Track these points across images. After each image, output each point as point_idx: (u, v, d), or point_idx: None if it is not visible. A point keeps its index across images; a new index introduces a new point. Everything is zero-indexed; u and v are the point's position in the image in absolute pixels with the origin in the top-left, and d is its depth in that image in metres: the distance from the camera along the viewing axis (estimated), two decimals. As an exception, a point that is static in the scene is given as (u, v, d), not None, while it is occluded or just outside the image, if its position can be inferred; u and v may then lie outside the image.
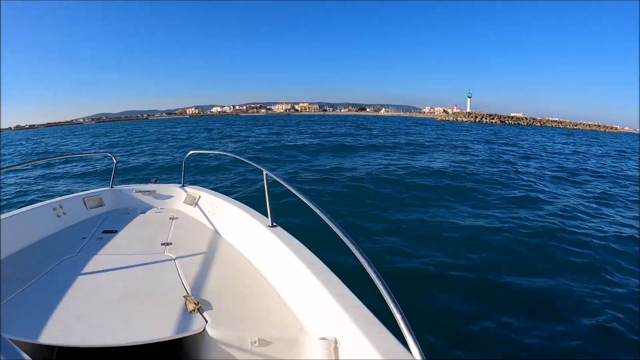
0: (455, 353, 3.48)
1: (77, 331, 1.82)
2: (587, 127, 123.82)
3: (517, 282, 4.87)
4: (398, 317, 1.14)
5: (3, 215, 3.12)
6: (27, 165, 16.66)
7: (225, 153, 4.61)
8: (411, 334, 1.08)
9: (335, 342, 1.55)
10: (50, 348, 1.91)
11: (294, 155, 17.48)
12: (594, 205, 9.55)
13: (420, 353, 1.04)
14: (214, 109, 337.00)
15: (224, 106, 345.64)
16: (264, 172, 2.74)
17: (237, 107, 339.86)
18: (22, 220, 3.20)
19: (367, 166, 14.03)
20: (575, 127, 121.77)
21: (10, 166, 4.59)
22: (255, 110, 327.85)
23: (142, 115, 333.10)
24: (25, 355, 0.85)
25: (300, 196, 2.14)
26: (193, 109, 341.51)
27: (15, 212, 3.26)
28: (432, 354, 3.32)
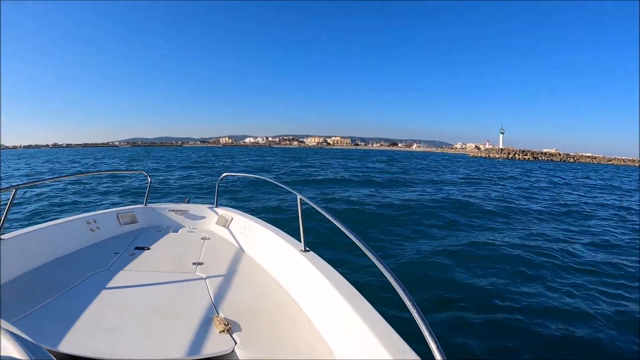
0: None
1: (105, 344, 1.83)
2: (622, 162, 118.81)
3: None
4: (433, 346, 1.11)
5: (39, 226, 3.22)
6: (63, 180, 17.36)
7: (259, 176, 4.51)
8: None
9: None
10: (76, 359, 1.91)
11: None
12: None
13: None
14: (247, 140, 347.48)
15: (256, 137, 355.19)
16: (298, 197, 2.71)
17: (269, 139, 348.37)
18: (56, 231, 3.26)
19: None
20: (609, 163, 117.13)
21: (47, 179, 4.67)
22: (287, 142, 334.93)
23: (177, 142, 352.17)
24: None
25: (333, 221, 2.10)
26: (226, 138, 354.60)
27: (50, 224, 3.33)
28: None
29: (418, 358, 1.39)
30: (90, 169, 29.82)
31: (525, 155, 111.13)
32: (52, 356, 0.89)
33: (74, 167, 33.87)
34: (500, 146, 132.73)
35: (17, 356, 0.79)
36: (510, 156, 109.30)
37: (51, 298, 2.32)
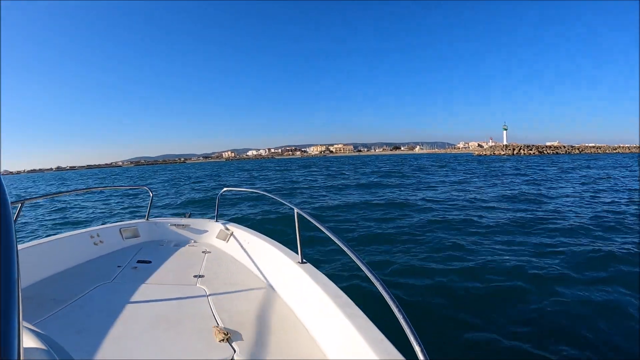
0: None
1: (109, 353, 1.89)
2: (627, 150, 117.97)
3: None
4: (417, 349, 1.16)
5: (44, 239, 3.31)
6: (66, 195, 17.83)
7: (257, 191, 4.59)
8: None
9: None
10: None
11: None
12: None
13: None
14: (249, 152, 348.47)
15: (259, 149, 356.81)
16: (295, 210, 2.78)
17: (272, 150, 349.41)
18: (60, 245, 3.35)
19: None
20: (614, 152, 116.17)
21: (53, 194, 4.59)
22: (290, 153, 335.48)
23: (180, 159, 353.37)
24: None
25: (328, 233, 2.17)
26: (229, 152, 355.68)
27: (55, 238, 3.42)
28: None
29: None
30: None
31: (531, 150, 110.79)
32: (72, 355, 0.91)
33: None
34: (505, 142, 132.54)
35: (41, 354, 0.81)
36: (515, 152, 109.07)
37: (58, 308, 2.39)
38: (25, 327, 0.89)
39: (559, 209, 11.41)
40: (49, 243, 3.27)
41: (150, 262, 3.60)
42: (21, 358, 0.48)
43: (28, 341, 0.84)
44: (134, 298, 2.66)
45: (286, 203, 3.14)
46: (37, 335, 0.88)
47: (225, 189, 4.83)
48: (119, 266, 3.40)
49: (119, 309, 2.44)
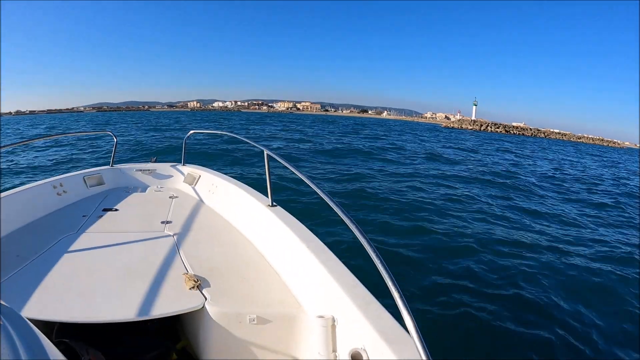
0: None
1: (77, 308, 1.83)
2: (590, 141, 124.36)
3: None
4: (396, 295, 1.14)
5: (3, 194, 3.11)
6: (29, 145, 16.75)
7: (224, 133, 4.64)
8: (408, 312, 1.07)
9: (333, 320, 1.57)
10: (49, 325, 1.90)
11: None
12: None
13: (416, 331, 1.03)
14: (215, 104, 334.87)
15: (225, 101, 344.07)
16: (265, 152, 2.75)
17: (238, 103, 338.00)
18: (22, 198, 3.20)
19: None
20: (579, 140, 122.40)
21: (13, 144, 4.48)
22: (256, 107, 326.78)
23: (144, 107, 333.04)
24: (34, 327, 0.88)
25: (299, 174, 2.20)
26: (195, 102, 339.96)
27: (16, 190, 3.26)
28: (430, 333, 3.21)
29: (382, 308, 1.44)
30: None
31: (498, 128, 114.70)
32: (25, 318, 0.89)
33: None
34: (473, 117, 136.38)
35: None
36: (482, 128, 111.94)
37: (20, 266, 2.28)
38: None
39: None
40: (8, 197, 3.07)
41: (116, 209, 3.50)
42: None
43: None
44: (100, 248, 2.58)
45: (255, 144, 3.13)
46: None
47: (192, 131, 4.86)
48: (84, 216, 3.29)
49: (85, 261, 2.37)
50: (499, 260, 5.83)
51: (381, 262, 1.26)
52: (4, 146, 3.99)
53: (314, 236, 2.16)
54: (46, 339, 0.86)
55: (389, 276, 1.20)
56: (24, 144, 15.85)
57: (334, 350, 1.55)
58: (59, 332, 1.99)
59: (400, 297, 1.13)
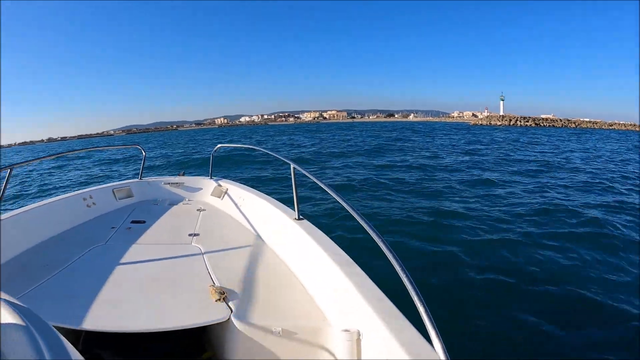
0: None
1: (103, 317, 1.85)
2: (623, 127, 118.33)
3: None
4: (421, 309, 1.13)
5: (35, 205, 3.24)
6: (59, 157, 18.33)
7: (253, 147, 4.57)
8: (434, 328, 1.07)
9: (358, 334, 1.56)
10: (77, 333, 1.92)
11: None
12: None
13: (442, 346, 1.03)
14: (242, 119, 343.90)
15: (252, 115, 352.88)
16: (292, 166, 2.72)
17: (265, 117, 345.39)
18: (53, 209, 3.28)
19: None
20: (610, 128, 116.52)
21: (43, 157, 4.55)
22: (283, 119, 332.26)
23: (172, 126, 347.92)
24: (57, 332, 0.88)
25: (326, 189, 2.17)
26: (222, 119, 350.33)
27: (47, 202, 3.37)
28: (455, 349, 3.19)
29: (408, 322, 1.41)
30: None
31: (527, 121, 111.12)
32: (48, 323, 0.90)
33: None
34: (501, 113, 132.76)
35: (14, 322, 0.80)
36: (512, 123, 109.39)
37: (50, 275, 2.33)
38: (5, 300, 0.89)
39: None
40: (40, 208, 3.18)
41: (144, 222, 3.53)
42: None
43: (6, 317, 0.81)
44: (128, 259, 2.61)
45: (282, 158, 3.07)
46: (16, 308, 0.86)
47: (219, 145, 4.89)
48: (112, 227, 3.34)
49: (113, 272, 2.40)
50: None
51: (406, 275, 1.26)
52: (42, 158, 4.15)
53: (341, 249, 2.14)
54: (70, 344, 0.86)
55: (414, 290, 1.19)
56: (58, 157, 17.40)
57: None
58: (86, 340, 2.09)
59: (426, 311, 1.11)
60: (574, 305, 4.22)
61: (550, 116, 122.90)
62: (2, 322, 0.78)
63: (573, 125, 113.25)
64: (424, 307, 1.13)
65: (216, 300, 1.99)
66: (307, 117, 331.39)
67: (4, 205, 3.06)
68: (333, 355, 1.72)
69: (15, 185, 13.55)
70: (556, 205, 8.47)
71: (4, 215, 2.86)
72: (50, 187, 12.58)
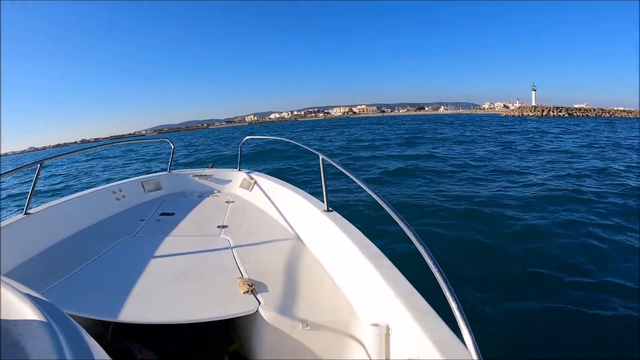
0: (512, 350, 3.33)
1: (133, 308, 1.87)
2: None
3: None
4: (453, 305, 1.10)
5: (64, 198, 3.28)
6: (88, 152, 19.01)
7: (280, 139, 4.68)
8: (466, 324, 1.04)
9: (387, 328, 1.52)
10: (105, 324, 1.95)
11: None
12: None
13: (473, 343, 0.99)
14: (272, 116, 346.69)
15: (282, 112, 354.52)
16: (320, 157, 2.70)
17: (295, 113, 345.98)
18: (82, 202, 3.33)
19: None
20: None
21: (72, 152, 4.36)
22: (313, 114, 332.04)
23: (202, 125, 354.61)
24: (79, 327, 0.87)
25: (355, 180, 2.12)
26: (252, 116, 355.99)
27: (76, 195, 3.41)
28: (487, 345, 3.16)
29: (439, 318, 1.38)
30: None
31: (560, 111, 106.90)
32: (71, 318, 0.88)
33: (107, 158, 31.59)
34: (533, 103, 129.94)
35: (36, 319, 0.78)
36: (544, 113, 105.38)
37: (80, 267, 2.36)
38: (29, 295, 0.86)
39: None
40: (70, 201, 3.22)
41: (173, 214, 3.57)
42: None
43: (27, 313, 0.79)
44: (157, 251, 2.63)
45: (311, 150, 3.06)
46: (39, 304, 0.83)
47: (247, 137, 4.85)
48: (141, 220, 3.38)
49: (141, 264, 2.42)
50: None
51: (438, 269, 1.23)
52: (71, 152, 4.01)
53: (370, 242, 2.10)
54: (94, 341, 0.86)
55: (446, 285, 1.17)
56: (88, 151, 16.04)
57: None
58: (115, 331, 2.08)
59: (458, 307, 1.09)
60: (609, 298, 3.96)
61: (584, 106, 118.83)
62: (24, 318, 0.78)
63: (607, 115, 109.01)
64: (456, 302, 1.10)
65: (244, 293, 1.99)
66: (336, 112, 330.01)
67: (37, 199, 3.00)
68: (361, 349, 1.68)
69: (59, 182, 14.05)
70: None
71: (35, 209, 2.93)
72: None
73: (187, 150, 28.94)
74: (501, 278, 4.43)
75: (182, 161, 18.81)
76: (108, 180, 12.48)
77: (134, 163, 20.74)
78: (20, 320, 0.77)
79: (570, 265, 4.71)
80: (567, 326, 3.56)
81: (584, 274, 4.47)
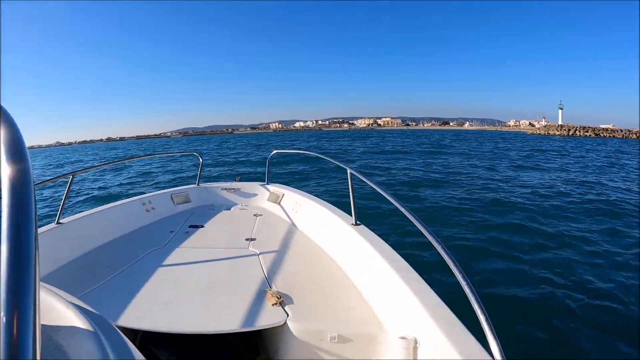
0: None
1: (162, 318, 1.90)
2: None
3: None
4: (481, 318, 1.11)
5: (96, 209, 3.38)
6: (119, 164, 18.93)
7: (308, 152, 4.84)
8: (494, 337, 1.05)
9: (415, 342, 1.53)
10: (134, 332, 1.97)
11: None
12: None
13: (502, 357, 1.00)
14: (297, 124, 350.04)
15: (306, 121, 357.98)
16: (349, 171, 2.70)
17: (319, 122, 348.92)
18: (113, 213, 3.43)
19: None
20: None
21: (104, 164, 4.37)
22: (337, 125, 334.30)
23: (227, 130, 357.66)
24: (122, 335, 0.90)
25: (383, 193, 2.15)
26: (276, 123, 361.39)
27: (107, 207, 3.50)
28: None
29: (467, 331, 1.38)
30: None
31: (587, 131, 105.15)
32: (114, 325, 0.91)
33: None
34: (560, 122, 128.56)
35: (81, 326, 0.80)
36: (570, 133, 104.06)
37: (110, 276, 2.41)
38: (69, 301, 0.89)
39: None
40: (101, 212, 3.31)
41: (202, 226, 3.61)
42: (37, 357, 0.47)
43: (70, 317, 0.82)
44: (186, 262, 2.69)
45: (339, 164, 3.08)
46: (84, 312, 0.86)
47: (275, 151, 4.86)
48: (171, 231, 3.42)
49: (171, 274, 2.47)
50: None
51: (467, 283, 1.23)
52: (102, 165, 4.12)
53: (398, 256, 2.11)
54: (134, 347, 0.88)
55: (474, 298, 1.16)
56: (117, 163, 17.54)
57: None
58: (143, 340, 2.14)
59: (487, 320, 1.09)
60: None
61: (610, 126, 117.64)
62: (70, 325, 0.81)
63: (634, 136, 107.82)
64: (485, 315, 1.10)
65: (273, 305, 2.00)
66: (361, 123, 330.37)
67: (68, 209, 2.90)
68: None
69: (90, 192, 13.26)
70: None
71: (67, 219, 3.01)
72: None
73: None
74: (544, 298, 4.30)
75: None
76: (132, 186, 13.30)
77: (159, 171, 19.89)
78: (64, 326, 0.82)
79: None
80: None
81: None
